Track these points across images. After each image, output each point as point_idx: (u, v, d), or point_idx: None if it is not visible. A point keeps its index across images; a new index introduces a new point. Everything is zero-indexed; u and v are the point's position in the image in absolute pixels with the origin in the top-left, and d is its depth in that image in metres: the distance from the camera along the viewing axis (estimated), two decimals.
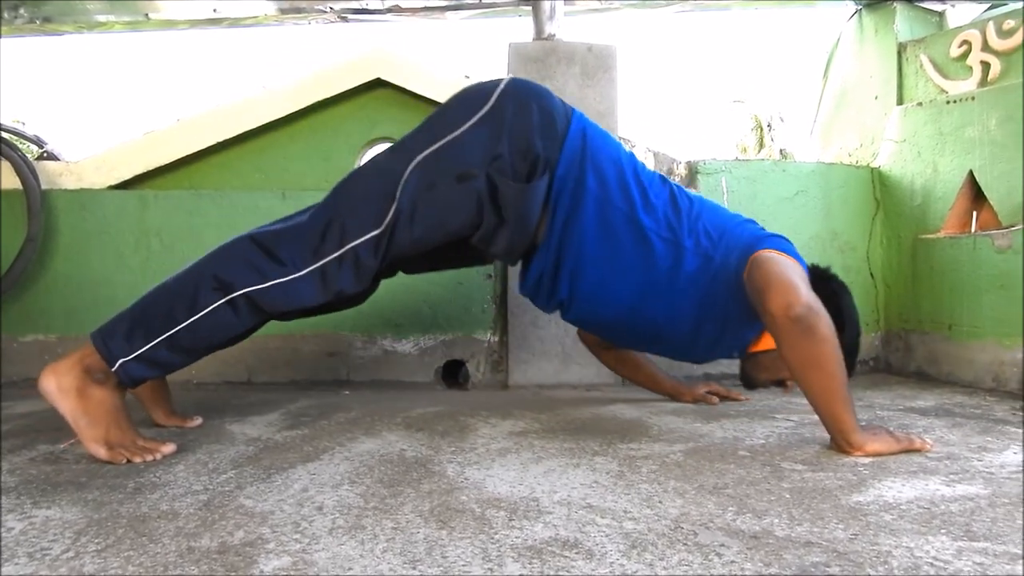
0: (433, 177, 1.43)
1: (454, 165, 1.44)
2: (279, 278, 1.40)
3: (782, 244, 1.54)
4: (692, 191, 1.68)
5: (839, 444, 1.37)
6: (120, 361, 1.36)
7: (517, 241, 1.51)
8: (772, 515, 1.01)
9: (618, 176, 1.53)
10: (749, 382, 1.71)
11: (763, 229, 1.65)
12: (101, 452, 1.33)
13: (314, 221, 1.44)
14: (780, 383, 1.68)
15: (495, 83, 1.51)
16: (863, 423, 1.40)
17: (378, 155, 1.53)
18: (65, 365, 1.35)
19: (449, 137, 1.45)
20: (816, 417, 1.69)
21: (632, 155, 1.62)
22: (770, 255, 1.48)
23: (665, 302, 1.57)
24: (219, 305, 1.39)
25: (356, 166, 1.53)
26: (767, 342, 1.61)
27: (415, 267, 1.66)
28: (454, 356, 2.46)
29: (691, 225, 1.55)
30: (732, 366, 2.33)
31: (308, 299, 1.42)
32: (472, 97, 1.50)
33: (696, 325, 1.61)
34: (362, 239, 1.41)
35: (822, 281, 1.60)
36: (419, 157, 1.44)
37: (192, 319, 1.38)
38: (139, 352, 1.37)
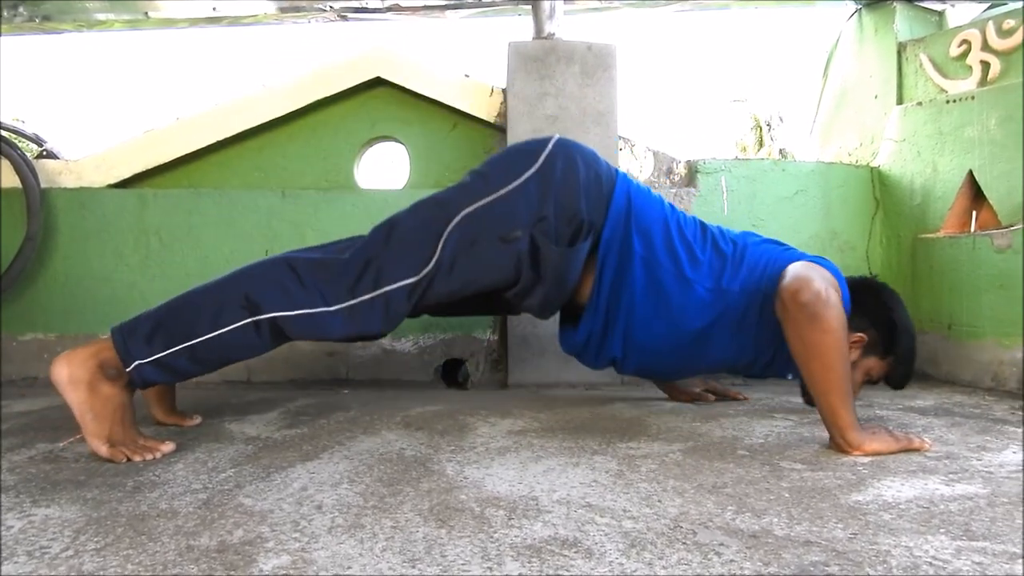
0: (477, 234, 1.45)
1: (499, 225, 1.46)
2: (308, 308, 1.40)
3: (820, 261, 1.55)
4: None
5: (836, 441, 1.37)
6: (136, 363, 1.36)
7: (553, 300, 1.55)
8: (771, 514, 1.02)
9: (663, 236, 1.56)
10: (809, 399, 1.70)
11: (805, 254, 1.65)
12: (102, 449, 1.33)
13: (353, 259, 1.44)
14: None
15: (543, 143, 1.53)
16: (862, 422, 1.40)
17: (423, 202, 1.53)
18: (80, 356, 1.35)
19: (495, 195, 1.47)
20: (815, 416, 1.70)
21: (673, 208, 1.63)
22: (800, 262, 1.49)
23: (719, 344, 1.61)
24: (244, 324, 1.39)
25: (402, 208, 1.53)
26: None
27: (441, 311, 1.67)
28: (453, 355, 2.46)
29: (735, 268, 1.57)
30: None
31: (333, 333, 1.43)
32: (520, 156, 1.53)
33: (752, 354, 1.63)
34: (397, 284, 1.43)
35: (872, 291, 1.64)
36: (464, 212, 1.46)
37: (215, 333, 1.38)
38: (156, 357, 1.37)
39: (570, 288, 1.54)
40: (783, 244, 1.68)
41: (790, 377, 1.67)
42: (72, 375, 1.33)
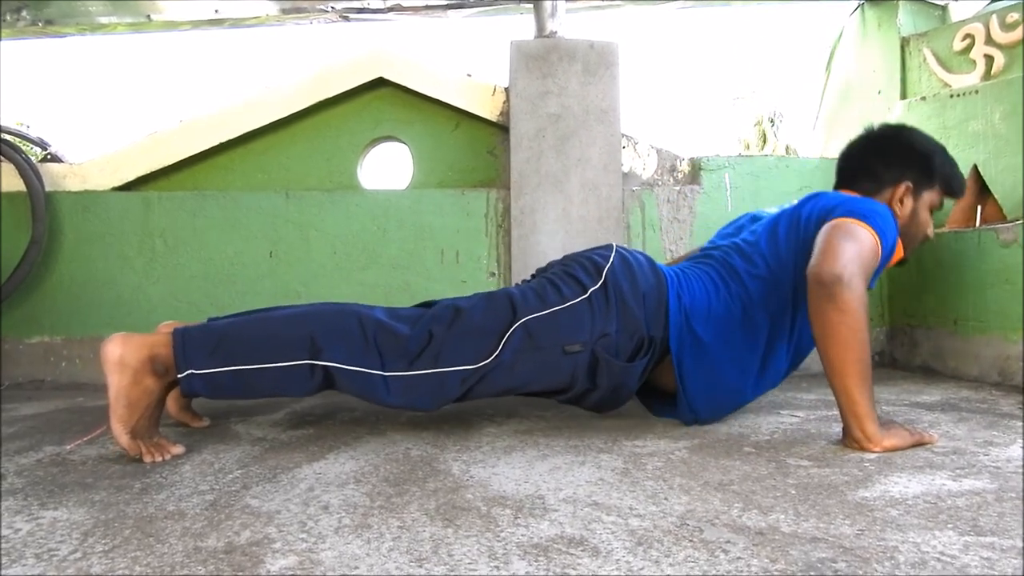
0: (540, 340, 1.48)
1: (562, 335, 1.49)
2: (364, 368, 1.43)
3: (861, 208, 1.51)
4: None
5: (852, 434, 1.35)
6: (190, 372, 1.38)
7: (607, 406, 1.61)
8: (778, 511, 1.01)
9: (722, 307, 1.58)
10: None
11: (844, 195, 1.63)
12: (123, 438, 1.34)
13: (419, 333, 1.46)
14: None
15: (604, 256, 1.59)
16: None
17: (493, 295, 1.56)
18: (136, 343, 1.37)
19: (562, 306, 1.51)
20: (822, 412, 1.69)
21: (717, 274, 1.64)
22: (839, 222, 1.46)
23: (800, 350, 1.66)
24: (302, 364, 1.41)
25: (474, 295, 1.58)
26: (899, 254, 1.63)
27: (486, 396, 1.70)
28: None
29: (780, 277, 1.59)
30: None
31: (379, 398, 1.45)
32: (584, 267, 1.57)
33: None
34: (455, 368, 1.45)
35: (886, 140, 1.71)
36: (531, 316, 1.49)
37: (272, 365, 1.41)
38: (210, 371, 1.39)
39: (626, 398, 1.59)
40: (839, 196, 1.63)
41: None
42: (123, 358, 1.35)
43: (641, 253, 1.65)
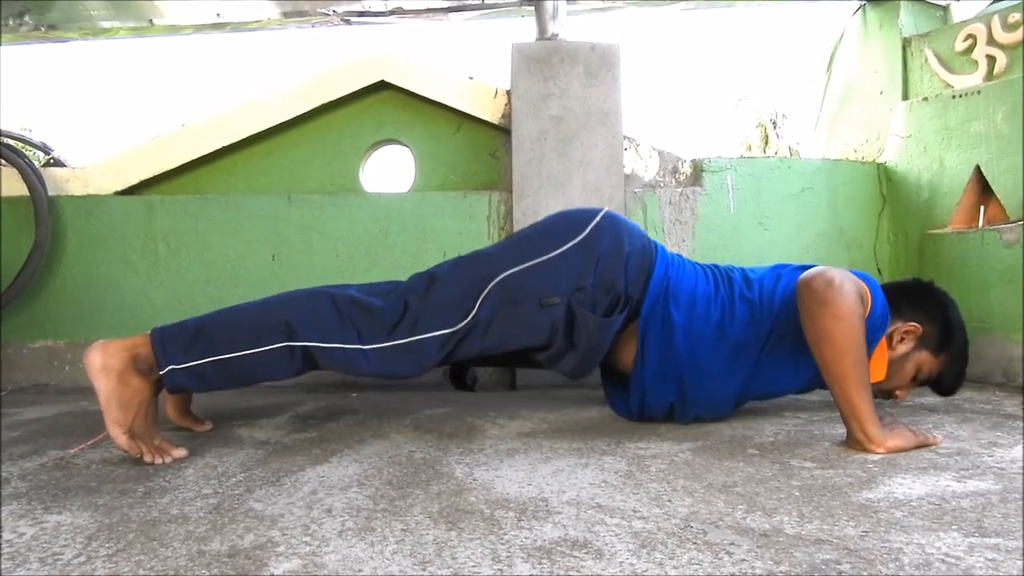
0: (516, 296, 1.49)
1: (539, 289, 1.50)
2: (343, 344, 1.45)
3: (856, 273, 1.54)
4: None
5: (855, 436, 1.36)
6: (171, 367, 1.40)
7: (585, 368, 1.58)
8: (782, 513, 1.01)
9: (703, 302, 1.58)
10: (884, 398, 1.71)
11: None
12: (122, 439, 1.34)
13: (392, 303, 1.48)
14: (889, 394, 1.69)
15: (591, 214, 1.59)
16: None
17: (466, 257, 1.59)
18: (115, 347, 1.38)
19: (539, 259, 1.52)
20: (825, 414, 1.69)
21: (706, 272, 1.65)
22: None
23: (768, 381, 1.64)
24: (279, 347, 1.44)
25: (449, 257, 1.59)
26: (875, 373, 1.59)
27: (471, 362, 1.71)
28: None
29: (765, 311, 1.58)
30: None
31: (363, 369, 1.47)
32: (567, 223, 1.58)
33: (804, 378, 1.64)
34: (433, 334, 1.47)
35: (928, 289, 1.66)
36: (507, 272, 1.50)
37: (250, 351, 1.43)
38: (191, 364, 1.41)
39: (601, 357, 1.58)
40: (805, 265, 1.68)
41: None
42: (105, 363, 1.36)
43: (637, 225, 1.65)
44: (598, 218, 1.57)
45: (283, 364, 1.45)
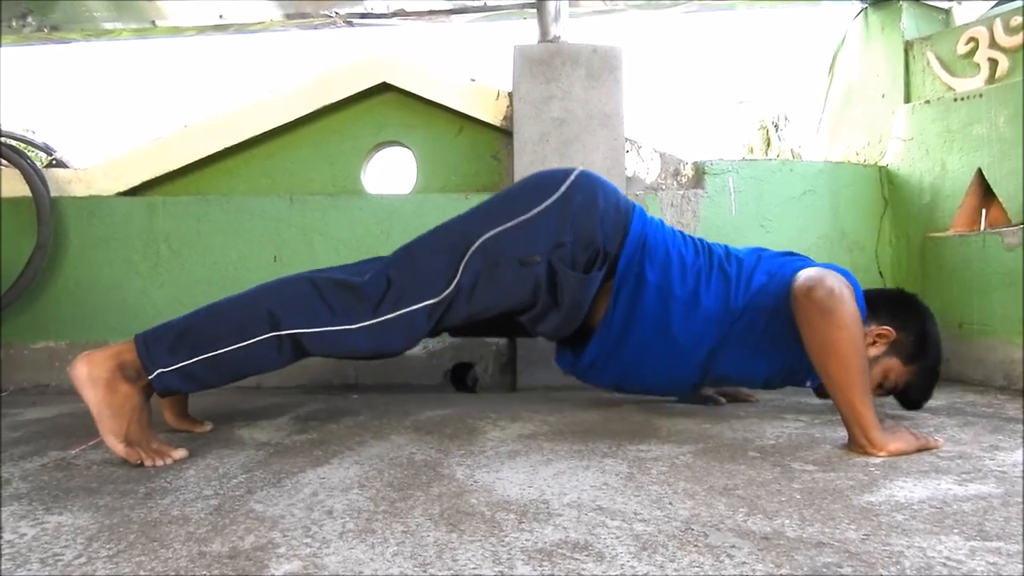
0: (497, 258, 1.50)
1: (519, 249, 1.50)
2: (331, 326, 1.44)
3: (834, 268, 1.55)
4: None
5: (858, 441, 1.36)
6: (159, 371, 1.39)
7: (567, 326, 1.59)
8: (783, 516, 1.01)
9: (677, 266, 1.59)
10: (823, 392, 1.71)
11: (805, 258, 1.68)
12: (118, 447, 1.34)
13: (375, 280, 1.48)
14: None
15: (566, 173, 1.59)
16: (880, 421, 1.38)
17: (444, 225, 1.59)
18: (100, 356, 1.37)
19: (517, 220, 1.52)
20: (827, 417, 1.69)
21: (684, 239, 1.67)
22: (814, 267, 1.50)
23: (730, 363, 1.63)
24: (266, 338, 1.43)
25: (428, 230, 1.60)
26: None
27: (459, 332, 1.72)
28: (462, 359, 2.46)
29: (742, 289, 1.59)
30: None
31: (354, 349, 1.47)
32: (543, 182, 1.58)
33: (767, 368, 1.64)
34: (419, 305, 1.47)
35: (909, 299, 1.67)
36: (486, 236, 1.50)
37: (237, 346, 1.42)
38: (179, 366, 1.40)
39: (583, 315, 1.58)
40: (796, 255, 1.70)
41: (809, 384, 1.67)
42: (91, 373, 1.35)
43: (613, 184, 1.65)
44: (573, 176, 1.57)
45: (272, 355, 1.45)
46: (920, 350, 1.60)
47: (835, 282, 1.38)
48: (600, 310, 1.61)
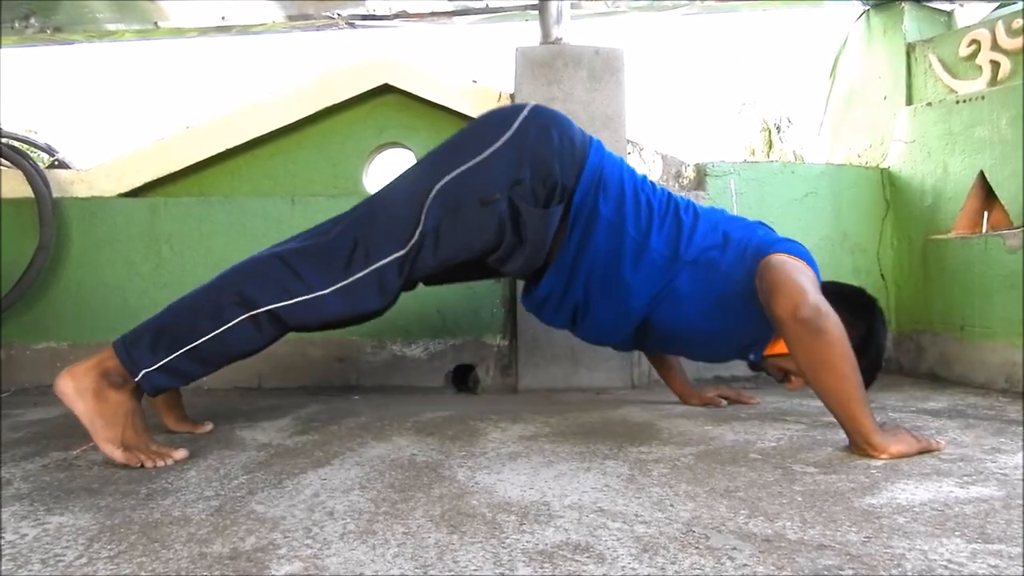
0: (457, 200, 1.48)
1: (478, 189, 1.49)
2: (305, 295, 1.43)
3: (794, 248, 1.56)
4: (700, 202, 1.70)
5: (860, 447, 1.36)
6: (144, 371, 1.38)
7: (532, 262, 1.57)
8: (784, 518, 1.01)
9: (632, 203, 1.58)
10: (777, 379, 1.72)
11: (773, 232, 1.68)
12: (116, 454, 1.34)
13: (341, 241, 1.47)
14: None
15: (518, 109, 1.57)
16: (879, 423, 1.38)
17: (403, 175, 1.58)
18: (82, 368, 1.37)
19: (473, 161, 1.50)
20: (828, 419, 1.69)
21: (644, 179, 1.66)
22: (781, 259, 1.50)
23: (673, 315, 1.61)
24: (242, 320, 1.42)
25: (385, 182, 1.58)
26: (781, 346, 1.61)
27: (434, 280, 1.71)
28: (464, 360, 2.46)
29: (695, 239, 1.58)
30: (742, 368, 2.32)
31: (332, 314, 1.46)
32: (495, 122, 1.56)
33: (708, 331, 1.63)
34: (387, 259, 1.46)
35: (863, 296, 1.65)
36: (443, 180, 1.49)
37: (215, 332, 1.41)
38: (162, 363, 1.39)
39: (547, 250, 1.56)
40: (758, 223, 1.69)
41: (751, 358, 1.67)
42: (77, 386, 1.35)
43: (570, 119, 1.63)
44: (526, 111, 1.55)
45: (252, 335, 1.44)
46: (862, 346, 1.54)
47: (816, 295, 1.37)
48: (557, 246, 1.60)
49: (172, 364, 1.40)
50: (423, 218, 1.47)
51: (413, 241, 1.47)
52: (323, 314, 1.45)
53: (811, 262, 1.55)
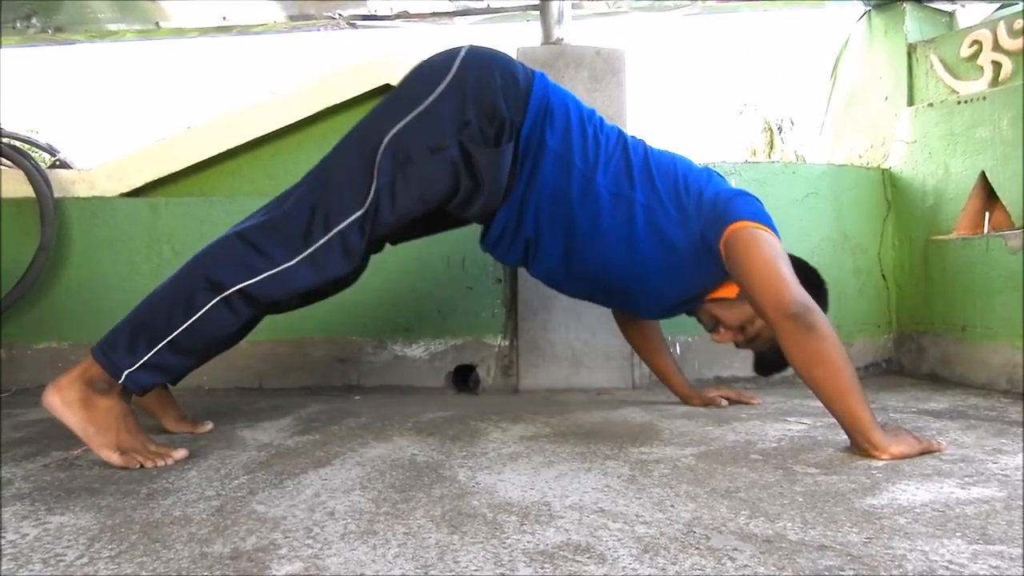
0: (407, 151, 1.46)
1: (426, 137, 1.46)
2: (270, 270, 1.42)
3: (753, 206, 1.55)
4: (653, 146, 1.69)
5: (860, 446, 1.35)
6: (126, 372, 1.38)
7: (491, 203, 1.55)
8: (785, 519, 1.01)
9: (579, 135, 1.56)
10: (708, 327, 1.73)
11: (725, 180, 1.68)
12: (114, 458, 1.34)
13: (298, 210, 1.45)
14: (739, 332, 1.67)
15: (454, 52, 1.54)
16: (881, 424, 1.38)
17: (348, 136, 1.55)
18: (66, 380, 1.37)
19: (417, 110, 1.47)
20: (829, 420, 1.69)
21: (592, 113, 1.64)
22: (748, 232, 1.48)
23: (620, 256, 1.60)
24: (214, 304, 1.40)
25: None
26: (727, 291, 1.63)
27: (399, 238, 1.69)
28: (464, 361, 2.46)
29: (645, 179, 1.58)
30: (744, 369, 2.32)
31: (302, 284, 1.44)
32: (433, 68, 1.53)
33: (656, 279, 1.62)
34: (347, 222, 1.44)
35: (814, 274, 1.64)
36: (390, 134, 1.46)
37: (190, 321, 1.40)
38: (143, 360, 1.39)
39: (503, 189, 1.54)
40: (712, 172, 1.68)
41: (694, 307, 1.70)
42: (64, 399, 1.35)
43: (509, 55, 1.61)
44: (463, 53, 1.53)
45: (227, 318, 1.42)
46: None
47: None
48: (510, 183, 1.58)
49: (154, 360, 1.39)
50: (376, 174, 1.45)
51: (370, 199, 1.44)
52: (292, 286, 1.43)
53: (770, 223, 1.53)
